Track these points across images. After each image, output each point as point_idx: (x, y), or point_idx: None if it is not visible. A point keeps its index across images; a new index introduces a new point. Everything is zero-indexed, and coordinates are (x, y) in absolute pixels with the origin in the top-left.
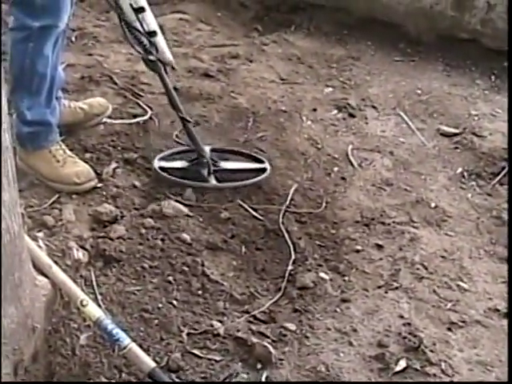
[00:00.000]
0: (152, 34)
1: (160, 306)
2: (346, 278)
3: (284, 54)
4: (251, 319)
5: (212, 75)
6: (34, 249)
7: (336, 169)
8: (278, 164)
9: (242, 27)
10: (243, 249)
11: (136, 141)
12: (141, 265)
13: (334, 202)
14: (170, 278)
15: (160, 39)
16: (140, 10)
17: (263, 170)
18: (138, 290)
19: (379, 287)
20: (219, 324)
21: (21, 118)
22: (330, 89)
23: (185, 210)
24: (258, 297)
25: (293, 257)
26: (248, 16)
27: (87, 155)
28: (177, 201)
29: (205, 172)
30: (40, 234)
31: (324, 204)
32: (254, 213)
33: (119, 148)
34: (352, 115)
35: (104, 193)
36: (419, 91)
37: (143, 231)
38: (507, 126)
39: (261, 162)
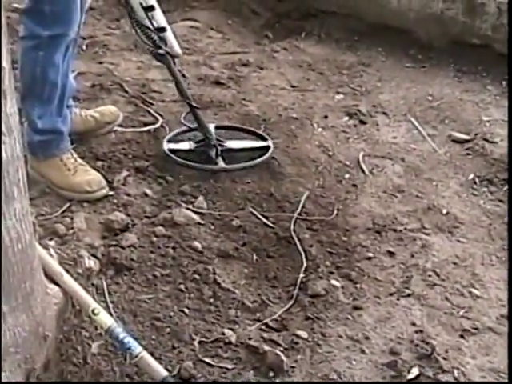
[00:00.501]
0: (161, 29)
1: (171, 314)
2: (358, 286)
3: (295, 60)
4: (263, 327)
5: (223, 83)
6: (46, 257)
7: (347, 176)
8: (289, 171)
9: (253, 34)
10: (254, 256)
11: (147, 149)
12: (152, 273)
13: (346, 209)
14: (182, 286)
15: (169, 34)
16: (150, 8)
17: (267, 148)
18: (149, 299)
19: (391, 294)
20: (231, 332)
21: (32, 127)
22: (341, 95)
23: (196, 217)
24: (269, 304)
25: (304, 264)
26: (259, 23)
27: (98, 163)
28: (188, 209)
29: (212, 154)
30: (51, 243)
31: (335, 211)
32: (266, 220)
33: (130, 156)
34: (363, 122)
35: (115, 201)
36: (430, 97)
37: (154, 239)
38: (507, 129)
39: (264, 139)
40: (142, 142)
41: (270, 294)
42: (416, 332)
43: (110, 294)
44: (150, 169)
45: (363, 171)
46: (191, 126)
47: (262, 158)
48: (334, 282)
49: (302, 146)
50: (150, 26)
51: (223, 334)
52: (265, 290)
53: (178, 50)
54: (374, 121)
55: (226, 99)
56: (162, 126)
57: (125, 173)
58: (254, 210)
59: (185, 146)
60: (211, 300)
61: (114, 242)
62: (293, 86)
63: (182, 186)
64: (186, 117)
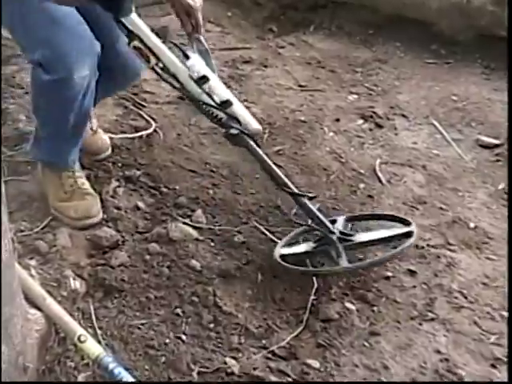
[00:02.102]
0: (225, 103)
1: (167, 341)
2: (375, 309)
3: (302, 57)
4: (269, 355)
5: (222, 82)
6: (26, 278)
7: (362, 186)
8: (298, 181)
9: (256, 28)
10: (259, 276)
11: (138, 156)
12: (145, 295)
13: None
14: (178, 310)
15: (237, 107)
16: (203, 79)
17: (408, 235)
18: (142, 324)
19: (412, 318)
20: (234, 361)
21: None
22: (355, 96)
23: (194, 233)
24: (276, 330)
25: (315, 285)
26: (262, 15)
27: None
28: (185, 223)
29: (334, 252)
30: (32, 262)
31: (344, 216)
32: (272, 236)
33: (120, 165)
34: (379, 125)
35: (103, 215)
36: (455, 97)
37: (147, 258)
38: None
39: (406, 223)
40: (132, 148)
41: (276, 318)
42: (441, 360)
43: (98, 318)
44: (142, 179)
45: (380, 180)
46: (303, 222)
47: (398, 249)
48: (348, 304)
49: (311, 153)
50: (211, 102)
51: (225, 363)
52: (271, 313)
53: (254, 125)
54: (392, 124)
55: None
56: (155, 130)
57: (114, 183)
58: (258, 225)
59: (301, 248)
60: (211, 325)
61: (102, 261)
62: (300, 86)
63: (177, 198)
64: (298, 212)
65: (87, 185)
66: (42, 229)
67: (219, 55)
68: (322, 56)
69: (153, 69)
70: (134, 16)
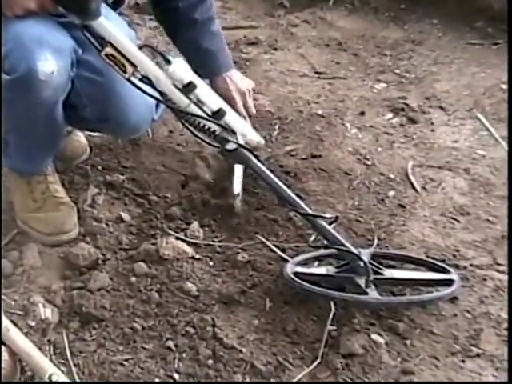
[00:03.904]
0: (218, 113)
1: (157, 380)
2: (408, 342)
3: (320, 38)
4: None
5: None
6: None
7: (392, 193)
8: (314, 187)
9: (263, 3)
10: (267, 303)
11: (122, 158)
12: (130, 325)
13: (390, 237)
14: (170, 343)
15: (232, 117)
16: (188, 87)
17: (448, 283)
18: (126, 360)
19: (453, 354)
20: None
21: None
22: (383, 85)
23: (189, 250)
24: (288, 367)
25: (333, 311)
26: None
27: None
28: (178, 238)
29: (361, 280)
30: None
31: (376, 240)
32: (282, 254)
33: (100, 168)
34: (413, 120)
35: (80, 229)
36: (504, 86)
37: (133, 280)
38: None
39: (445, 271)
40: (115, 148)
41: (288, 352)
42: None
43: (73, 353)
44: (127, 185)
45: (413, 187)
46: (325, 250)
47: (440, 293)
48: (375, 336)
49: (330, 154)
50: (200, 113)
51: None
52: (282, 347)
53: (254, 136)
54: (428, 118)
55: None
56: None
57: (93, 190)
58: (266, 240)
59: (320, 270)
60: (210, 361)
61: (78, 284)
62: (317, 73)
63: (169, 208)
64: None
65: (61, 192)
66: (6, 245)
67: None
68: (343, 36)
69: (129, 80)
70: (103, 20)
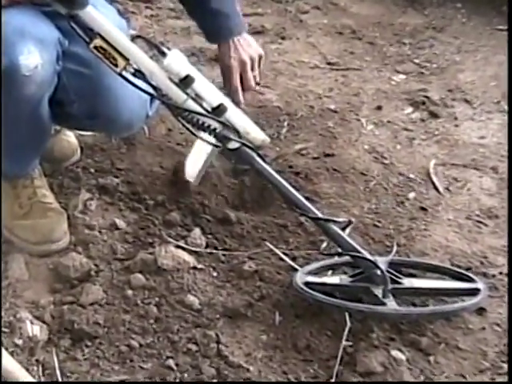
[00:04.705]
0: (219, 109)
1: None
2: (432, 359)
3: (332, 25)
4: None
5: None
6: None
7: (412, 195)
8: (327, 189)
9: None
10: (277, 316)
11: (117, 159)
12: (126, 343)
13: (411, 243)
14: (171, 362)
15: (233, 113)
16: (186, 81)
17: (474, 292)
18: (122, 381)
19: (481, 371)
20: None
21: None
22: (402, 76)
23: (190, 259)
24: None
25: (349, 325)
26: None
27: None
28: (178, 247)
29: (378, 290)
30: None
31: (395, 247)
32: (292, 263)
33: (92, 170)
34: (434, 115)
35: (71, 237)
36: None
37: (129, 293)
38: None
39: (470, 280)
40: (109, 149)
41: (300, 371)
42: None
43: (64, 374)
44: (122, 188)
45: (436, 188)
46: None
47: (465, 303)
48: (395, 352)
49: (344, 152)
50: (199, 110)
51: None
52: (293, 365)
53: (258, 134)
54: (451, 113)
55: None
56: None
57: (84, 195)
58: (275, 248)
59: (333, 279)
60: (214, 381)
61: (69, 298)
62: (329, 64)
63: (168, 214)
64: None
65: (50, 197)
66: None
67: None
68: (357, 23)
69: (121, 75)
70: (91, 9)
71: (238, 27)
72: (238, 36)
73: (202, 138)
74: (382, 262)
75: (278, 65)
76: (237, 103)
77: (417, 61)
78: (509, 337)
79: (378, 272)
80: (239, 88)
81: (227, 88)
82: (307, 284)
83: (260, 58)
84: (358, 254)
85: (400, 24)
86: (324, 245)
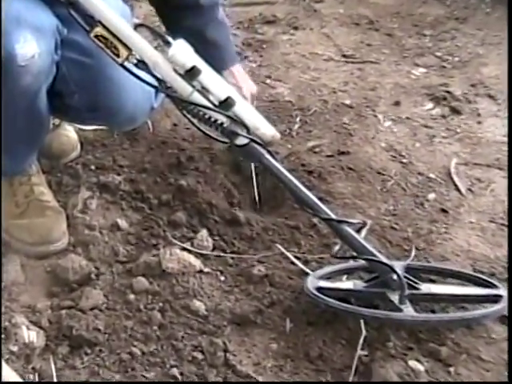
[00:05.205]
0: (226, 103)
1: None
2: (452, 369)
3: (348, 15)
4: None
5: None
6: None
7: (432, 196)
8: (341, 189)
9: None
10: (288, 323)
11: (119, 155)
12: (128, 350)
13: (430, 247)
14: (175, 371)
15: (242, 107)
16: (191, 72)
17: (495, 299)
18: (122, 381)
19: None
20: None
21: None
22: (422, 70)
23: (197, 262)
24: None
25: (364, 333)
26: None
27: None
28: (184, 249)
29: (394, 296)
30: None
31: (414, 251)
32: (304, 267)
33: (93, 167)
34: (456, 111)
35: (70, 238)
36: None
37: (131, 297)
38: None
39: (492, 286)
40: (110, 144)
41: (312, 380)
42: None
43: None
44: (124, 186)
45: (457, 188)
46: (352, 263)
47: (486, 310)
48: (413, 363)
49: (360, 150)
50: (206, 103)
51: None
52: (304, 375)
53: (268, 129)
54: (474, 109)
55: None
56: None
57: (84, 193)
58: (286, 251)
59: (346, 284)
60: None
61: (68, 303)
62: (345, 56)
63: (173, 214)
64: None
65: (48, 195)
66: None
67: (231, 13)
68: (375, 13)
69: (123, 66)
70: None
71: (235, 57)
72: (236, 65)
73: (207, 134)
74: (398, 266)
75: (290, 57)
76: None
77: (438, 54)
78: (509, 337)
79: (395, 277)
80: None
81: None
82: (319, 289)
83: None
84: (373, 258)
85: (420, 14)
86: (337, 248)
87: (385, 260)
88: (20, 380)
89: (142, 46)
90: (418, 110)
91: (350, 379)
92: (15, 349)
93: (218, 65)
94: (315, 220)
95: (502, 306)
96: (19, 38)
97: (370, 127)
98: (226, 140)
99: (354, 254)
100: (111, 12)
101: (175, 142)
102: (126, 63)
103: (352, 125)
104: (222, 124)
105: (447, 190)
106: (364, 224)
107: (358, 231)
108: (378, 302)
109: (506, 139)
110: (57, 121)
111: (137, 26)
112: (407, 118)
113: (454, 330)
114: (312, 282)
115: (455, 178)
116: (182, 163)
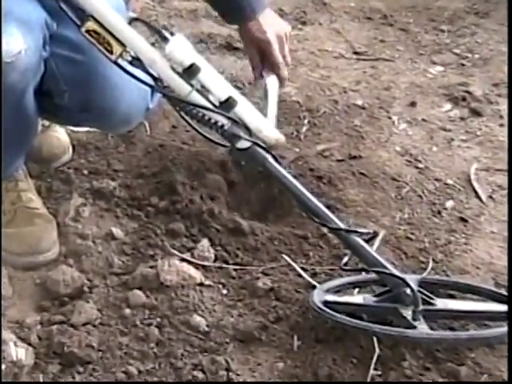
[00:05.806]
0: (227, 103)
1: None
2: None
3: (360, 9)
4: None
5: (239, 47)
6: None
7: (450, 204)
8: (353, 197)
9: None
10: (295, 341)
11: (114, 160)
12: (124, 369)
13: (449, 259)
14: None
15: (244, 107)
16: (191, 70)
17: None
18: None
19: None
20: None
21: None
22: (439, 68)
23: (197, 275)
24: None
25: (377, 351)
26: None
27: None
28: (183, 260)
29: (407, 312)
30: None
31: (431, 263)
32: (312, 279)
33: (86, 172)
34: (477, 112)
35: (62, 248)
36: None
37: (127, 312)
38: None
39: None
40: (104, 147)
41: None
42: None
43: None
44: (119, 193)
45: (478, 196)
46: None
47: (501, 330)
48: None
49: (373, 154)
50: (205, 104)
51: None
52: None
53: (271, 132)
54: (496, 110)
55: (244, 75)
56: None
57: (77, 200)
58: (293, 262)
59: (356, 299)
60: None
61: (59, 318)
62: (356, 53)
63: (172, 222)
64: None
65: (37, 202)
66: None
67: None
68: (388, 7)
69: (116, 63)
70: None
71: (264, 2)
72: (264, 12)
73: (206, 137)
74: (411, 279)
75: (298, 54)
76: (283, 79)
77: (456, 51)
78: (509, 338)
79: (408, 291)
80: (283, 62)
81: (268, 65)
82: (326, 303)
83: (290, 34)
84: (384, 270)
85: (437, 8)
86: (345, 259)
87: (397, 273)
88: None
89: (138, 41)
90: (435, 111)
91: None
92: (2, 367)
93: (248, 14)
94: (325, 229)
95: None
96: (5, 32)
97: (384, 130)
98: (227, 143)
99: (365, 266)
100: (104, 5)
101: (174, 146)
102: (119, 60)
103: (364, 127)
104: (222, 126)
105: (467, 198)
106: (375, 234)
107: (368, 241)
108: (389, 317)
109: None
110: (46, 122)
111: (132, 21)
112: (423, 119)
113: (474, 349)
114: (318, 296)
115: (475, 185)
116: (181, 169)
